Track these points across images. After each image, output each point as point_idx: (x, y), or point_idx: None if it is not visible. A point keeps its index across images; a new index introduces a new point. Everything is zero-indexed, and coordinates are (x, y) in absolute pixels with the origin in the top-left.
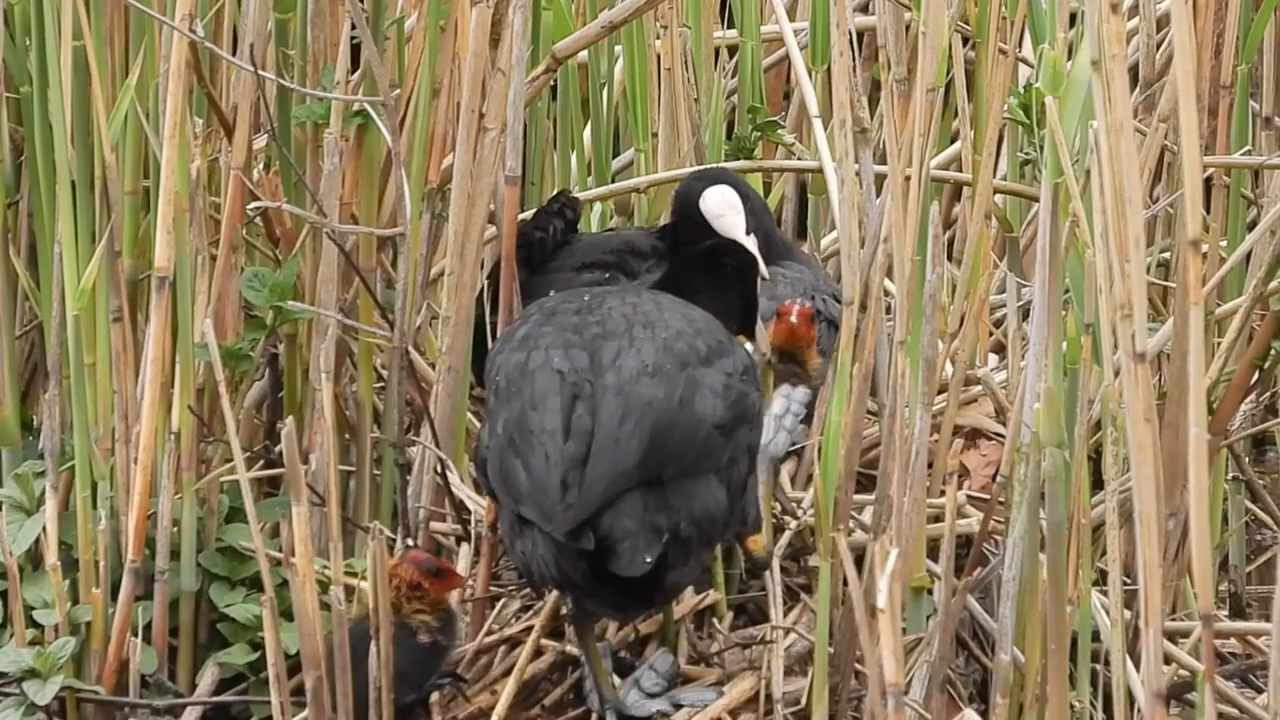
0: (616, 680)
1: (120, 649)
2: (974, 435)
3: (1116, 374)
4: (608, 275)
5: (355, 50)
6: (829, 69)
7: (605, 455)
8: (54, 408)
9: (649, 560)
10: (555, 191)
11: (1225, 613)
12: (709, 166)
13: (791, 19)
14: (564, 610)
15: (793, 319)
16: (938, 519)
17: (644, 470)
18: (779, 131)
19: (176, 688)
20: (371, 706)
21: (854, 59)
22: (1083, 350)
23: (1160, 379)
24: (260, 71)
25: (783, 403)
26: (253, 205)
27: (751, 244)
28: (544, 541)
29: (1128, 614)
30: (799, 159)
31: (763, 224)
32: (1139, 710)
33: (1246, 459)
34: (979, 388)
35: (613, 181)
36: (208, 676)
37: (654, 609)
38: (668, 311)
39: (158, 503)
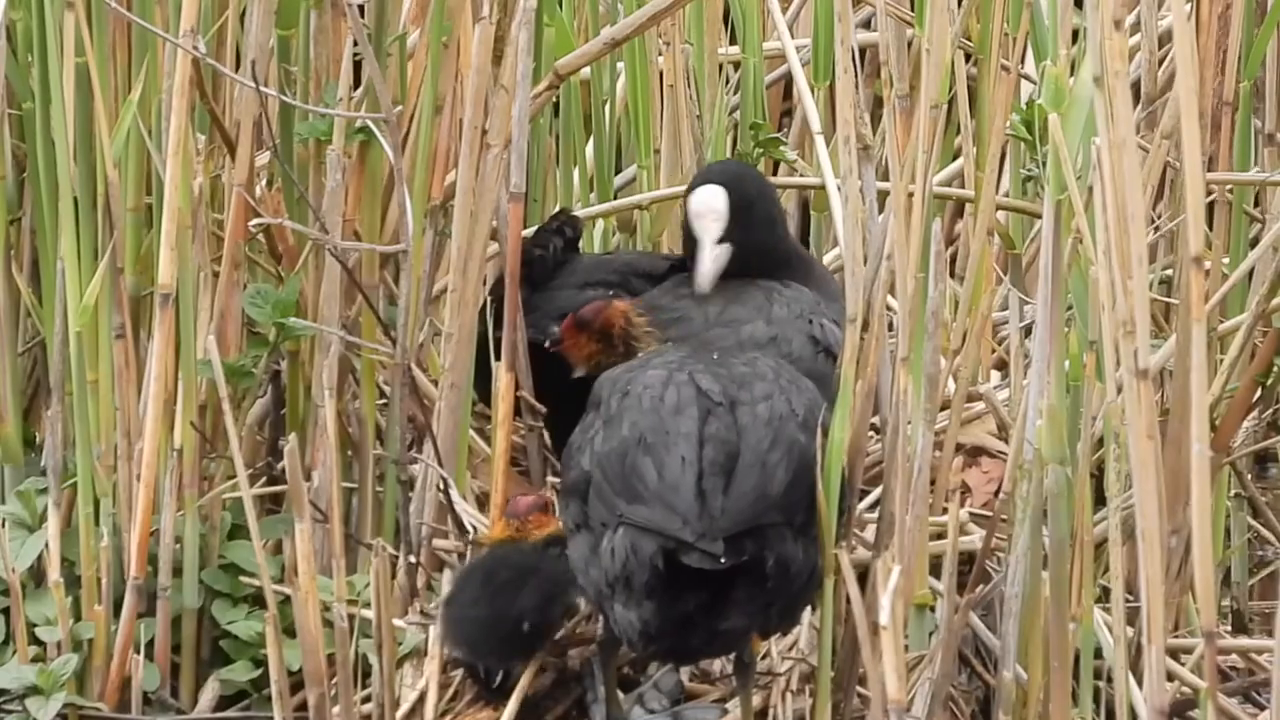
0: (620, 696)
1: (122, 666)
2: (976, 452)
3: (1119, 391)
4: (612, 293)
5: (358, 67)
6: (831, 85)
7: (752, 474)
8: (56, 424)
9: (723, 561)
10: (556, 210)
11: (1227, 629)
12: (733, 160)
13: (794, 35)
14: (598, 634)
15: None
16: (940, 536)
17: (785, 502)
18: (781, 148)
19: (178, 705)
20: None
21: (857, 75)
22: (1085, 367)
23: (1163, 396)
24: (263, 88)
25: None
26: (255, 222)
27: (714, 253)
28: (620, 539)
29: (1130, 631)
30: (801, 175)
31: (764, 233)
32: None
33: (1249, 475)
34: (981, 405)
35: (615, 198)
36: (209, 693)
37: (698, 648)
38: (807, 383)
39: (160, 519)
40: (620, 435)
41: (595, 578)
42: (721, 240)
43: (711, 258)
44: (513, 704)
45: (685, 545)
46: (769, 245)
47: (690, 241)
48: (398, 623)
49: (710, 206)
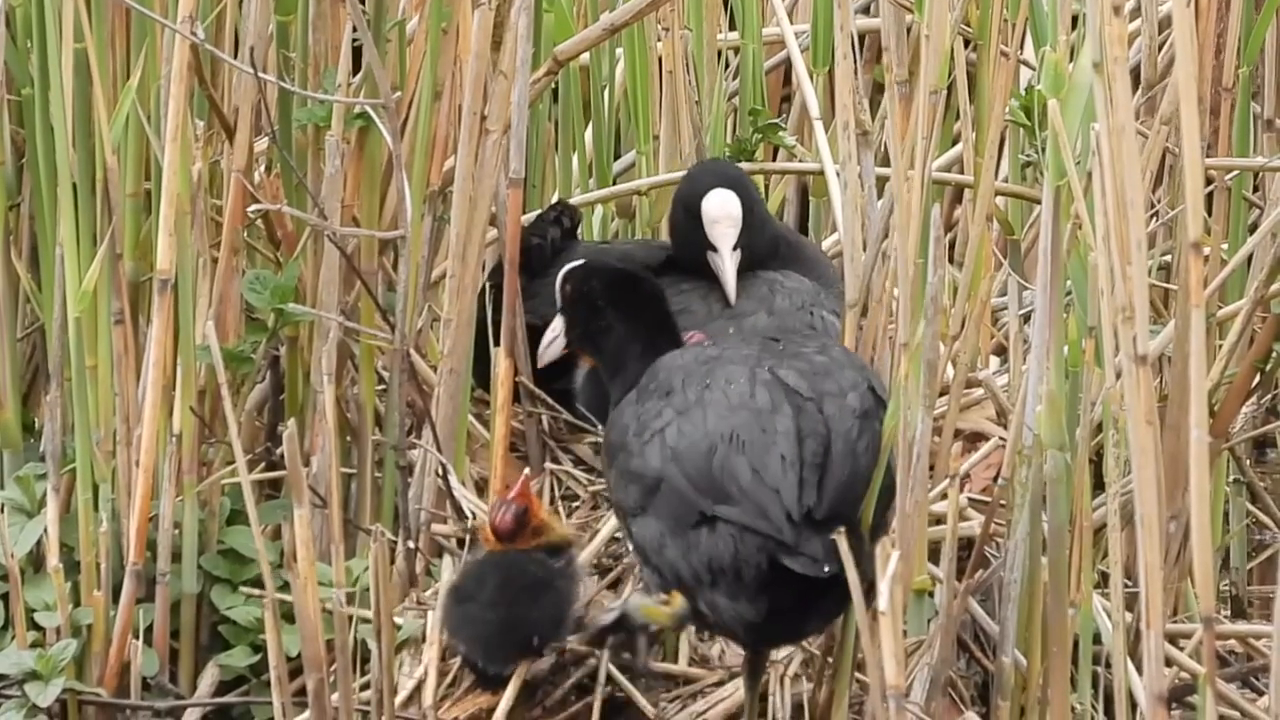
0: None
1: (121, 651)
2: (975, 438)
3: (1118, 376)
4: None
5: (357, 53)
6: (830, 71)
7: (846, 464)
8: (55, 410)
9: (827, 570)
10: (554, 199)
11: (1226, 614)
12: (723, 161)
13: (793, 21)
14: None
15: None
16: (939, 521)
17: (867, 488)
18: (780, 133)
19: (177, 690)
20: (373, 710)
21: (856, 61)
22: (1084, 353)
23: (1162, 381)
24: (261, 74)
25: None
26: (254, 208)
27: (733, 261)
28: (722, 533)
29: (1129, 616)
30: (800, 161)
31: (760, 232)
32: (1140, 713)
33: (1247, 461)
34: (980, 390)
35: (614, 183)
36: (208, 678)
37: (785, 640)
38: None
39: (159, 505)
40: (704, 429)
41: (681, 563)
42: (736, 246)
43: (733, 266)
44: (511, 688)
45: (787, 548)
46: (775, 235)
47: (695, 244)
48: (396, 619)
49: (727, 212)
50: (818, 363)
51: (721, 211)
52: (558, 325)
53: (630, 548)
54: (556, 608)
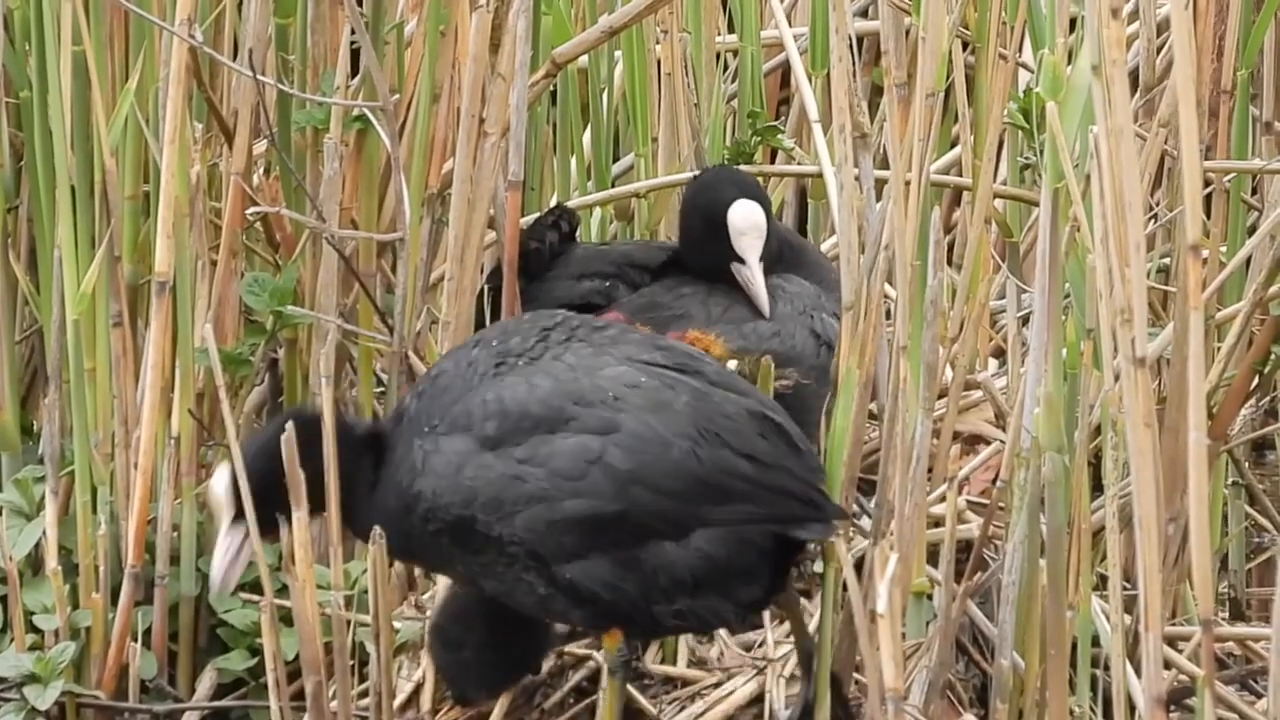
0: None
1: (120, 654)
2: (974, 440)
3: (1116, 379)
4: (608, 284)
5: (355, 55)
6: (829, 74)
7: (795, 426)
8: (54, 412)
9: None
10: (553, 204)
11: (1225, 616)
12: (735, 169)
13: (791, 24)
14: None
15: None
16: (938, 524)
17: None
18: (779, 136)
19: (176, 693)
20: (371, 713)
21: (854, 64)
22: (1083, 355)
23: (1160, 384)
24: (260, 77)
25: None
26: (253, 210)
27: (760, 272)
28: (712, 537)
29: (1128, 619)
30: (799, 164)
31: (769, 246)
32: (1139, 715)
33: (1246, 463)
34: (979, 392)
35: (613, 186)
36: (207, 681)
37: (764, 609)
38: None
39: (158, 507)
40: (658, 437)
41: (654, 582)
42: (761, 258)
43: (762, 277)
44: (502, 698)
45: (816, 521)
46: (780, 240)
47: (717, 254)
48: (395, 623)
49: (754, 224)
50: (645, 343)
51: (748, 223)
52: (232, 540)
53: (539, 595)
54: (543, 642)
